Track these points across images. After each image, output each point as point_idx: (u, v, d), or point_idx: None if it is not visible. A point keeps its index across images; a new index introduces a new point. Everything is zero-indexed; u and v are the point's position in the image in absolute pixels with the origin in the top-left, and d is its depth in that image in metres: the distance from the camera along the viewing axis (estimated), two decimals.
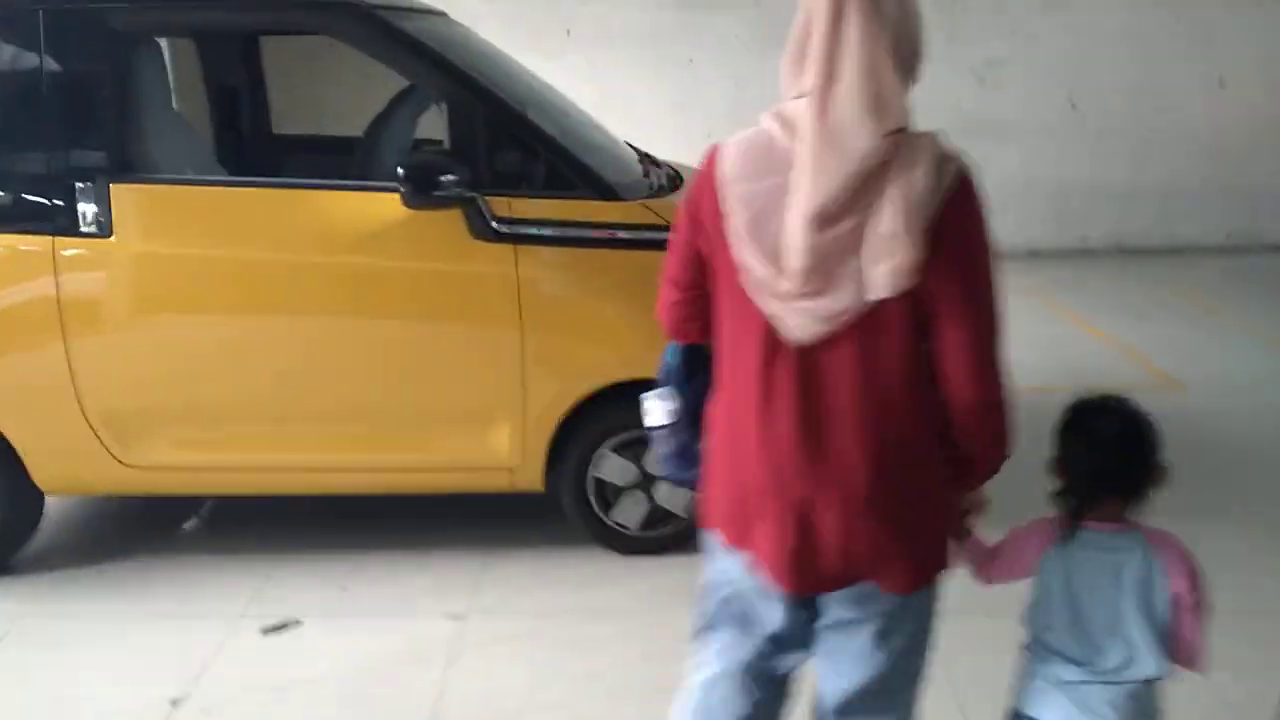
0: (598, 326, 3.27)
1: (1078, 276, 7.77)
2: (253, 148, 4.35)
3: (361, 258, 3.18)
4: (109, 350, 3.24)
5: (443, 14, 3.95)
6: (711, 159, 1.65)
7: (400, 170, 2.99)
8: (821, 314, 1.54)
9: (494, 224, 3.15)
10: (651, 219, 3.26)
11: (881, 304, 1.53)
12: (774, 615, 1.76)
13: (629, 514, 3.45)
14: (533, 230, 3.20)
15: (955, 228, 1.52)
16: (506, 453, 3.32)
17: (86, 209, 3.11)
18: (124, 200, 3.14)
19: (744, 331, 1.63)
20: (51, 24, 3.12)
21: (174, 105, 3.68)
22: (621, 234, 3.24)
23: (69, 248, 3.13)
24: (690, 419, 1.88)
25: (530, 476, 3.37)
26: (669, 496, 3.42)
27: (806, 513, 1.61)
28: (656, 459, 1.94)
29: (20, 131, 3.19)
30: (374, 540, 3.63)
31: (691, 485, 1.90)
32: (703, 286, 1.72)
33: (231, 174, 3.95)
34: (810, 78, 1.51)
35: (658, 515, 3.46)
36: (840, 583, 1.66)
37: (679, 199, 3.48)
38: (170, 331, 3.25)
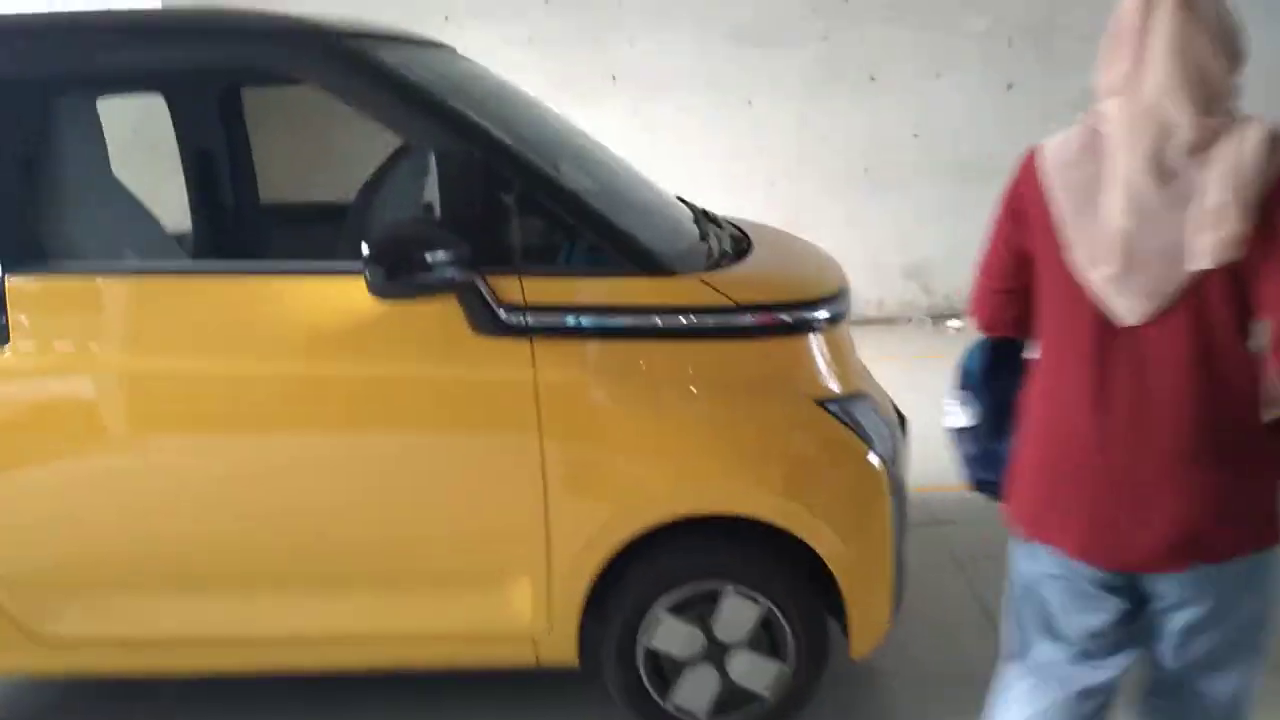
0: (646, 445, 2.41)
1: None
2: (227, 224, 3.56)
3: (328, 366, 2.38)
4: (9, 494, 2.47)
5: (446, 47, 3.19)
6: (1033, 154, 1.74)
7: (365, 248, 2.19)
8: (1144, 291, 1.59)
9: (501, 312, 2.34)
10: (711, 298, 2.41)
11: (1206, 279, 1.58)
12: (1099, 606, 1.78)
13: (694, 696, 2.55)
14: (554, 319, 2.37)
15: None
16: (527, 616, 2.47)
17: None
18: (23, 298, 2.39)
19: (1072, 317, 1.68)
20: None
21: (112, 174, 2.94)
22: (673, 320, 2.41)
23: None
24: (992, 419, 1.92)
25: (560, 647, 2.50)
26: (748, 671, 2.52)
27: (1138, 493, 1.65)
28: (958, 462, 2.00)
29: None
30: None
31: (995, 489, 1.93)
32: (1022, 279, 1.79)
33: (193, 258, 3.22)
34: (1120, 65, 1.62)
35: (733, 697, 2.56)
36: (1167, 563, 1.68)
37: (749, 269, 2.64)
38: (86, 466, 2.48)
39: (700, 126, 7.19)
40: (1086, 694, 1.84)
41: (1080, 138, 1.68)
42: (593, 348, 2.40)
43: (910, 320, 7.38)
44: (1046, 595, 1.83)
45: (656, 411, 2.40)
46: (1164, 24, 1.56)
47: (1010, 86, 7.09)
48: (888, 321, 7.35)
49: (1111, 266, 1.59)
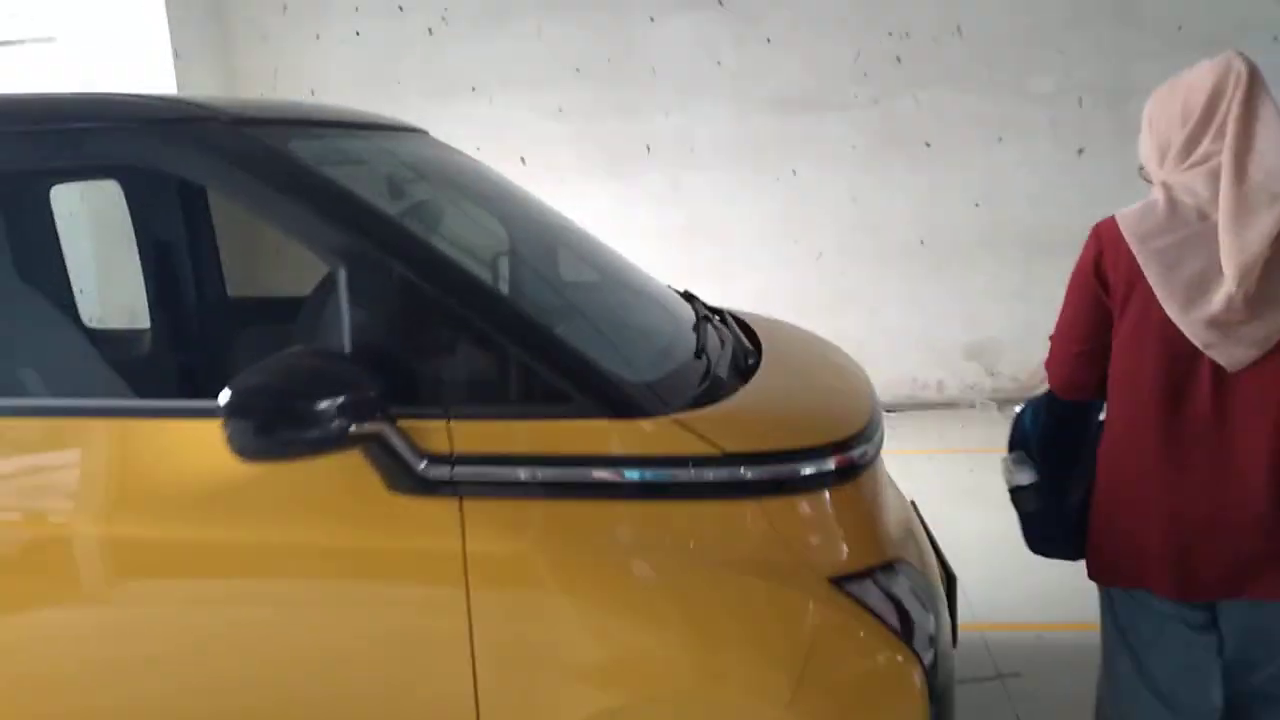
0: (605, 641, 1.86)
1: None
2: (190, 329, 3.10)
3: (200, 530, 1.88)
4: None
5: (415, 131, 2.73)
6: (1108, 227, 1.93)
7: (224, 397, 1.68)
8: (1253, 340, 1.78)
9: (422, 465, 1.82)
10: (693, 445, 1.86)
11: None
12: (1191, 644, 1.94)
13: None
14: (490, 474, 1.85)
15: None
16: None
17: None
18: None
19: (1160, 370, 1.85)
20: None
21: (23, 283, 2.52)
22: (643, 475, 1.86)
23: None
24: (1056, 477, 2.10)
25: None
26: None
27: (1223, 527, 1.84)
28: (1020, 522, 2.13)
29: None
30: None
31: (1058, 548, 2.14)
32: (1102, 339, 1.96)
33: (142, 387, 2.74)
34: (1218, 145, 1.83)
35: None
36: (1235, 589, 1.87)
37: (748, 400, 2.09)
38: None
39: (741, 197, 6.71)
40: None
41: (1157, 209, 1.86)
42: (538, 510, 1.86)
43: (974, 405, 6.72)
44: (1145, 638, 1.97)
45: (620, 596, 1.85)
46: (1268, 110, 1.80)
47: (1081, 151, 6.48)
48: (948, 406, 6.71)
49: (1226, 319, 1.77)
